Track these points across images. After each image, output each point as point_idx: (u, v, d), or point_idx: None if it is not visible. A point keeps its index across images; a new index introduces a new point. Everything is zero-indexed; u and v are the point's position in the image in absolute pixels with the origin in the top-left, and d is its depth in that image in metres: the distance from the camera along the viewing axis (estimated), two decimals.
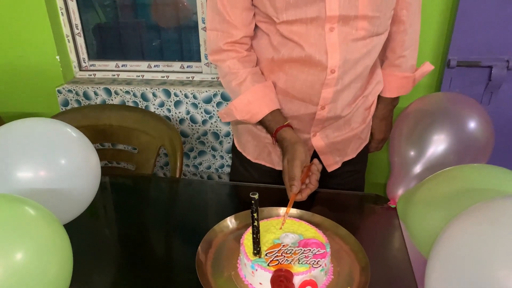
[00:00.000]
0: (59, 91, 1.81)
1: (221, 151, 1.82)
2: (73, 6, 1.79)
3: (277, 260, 0.73)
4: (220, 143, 1.80)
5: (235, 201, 1.11)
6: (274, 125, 0.97)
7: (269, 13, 0.91)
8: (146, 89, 1.74)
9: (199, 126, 1.78)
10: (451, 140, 1.04)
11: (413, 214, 0.86)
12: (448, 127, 1.05)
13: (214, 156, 1.84)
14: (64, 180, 0.85)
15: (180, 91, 1.71)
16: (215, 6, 0.96)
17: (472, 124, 1.05)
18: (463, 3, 1.30)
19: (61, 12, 1.79)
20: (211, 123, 1.76)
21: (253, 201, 0.72)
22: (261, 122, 1.00)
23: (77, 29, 1.84)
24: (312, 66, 0.92)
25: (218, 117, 1.60)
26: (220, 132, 1.77)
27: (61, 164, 0.86)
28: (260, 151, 1.14)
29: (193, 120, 1.76)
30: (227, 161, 1.84)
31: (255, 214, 0.73)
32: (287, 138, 0.95)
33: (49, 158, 0.84)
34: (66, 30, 1.82)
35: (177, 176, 1.19)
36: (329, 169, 1.13)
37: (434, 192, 0.82)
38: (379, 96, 1.15)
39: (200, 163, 1.87)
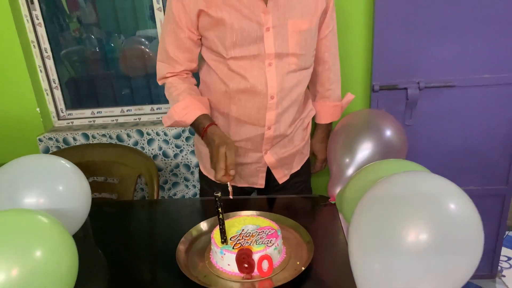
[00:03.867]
0: (40, 140, 1.98)
1: (193, 181, 2.03)
2: (50, 63, 2.01)
3: (239, 243, 0.94)
4: (192, 173, 2.01)
5: (205, 212, 1.31)
6: (205, 123, 1.19)
7: (220, 51, 1.16)
8: (121, 131, 1.95)
9: (171, 159, 1.99)
10: (374, 146, 1.30)
11: (345, 202, 1.10)
12: (371, 137, 1.32)
13: (187, 186, 2.05)
14: (62, 202, 1.04)
15: (152, 130, 1.93)
16: (164, 45, 1.22)
17: (388, 133, 1.33)
18: (377, 39, 1.62)
19: (40, 70, 2.00)
20: (182, 156, 1.97)
21: (217, 199, 0.94)
22: (194, 123, 1.21)
23: (55, 83, 2.05)
24: (256, 94, 1.18)
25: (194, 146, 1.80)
26: (190, 164, 1.99)
27: (59, 189, 1.05)
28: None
29: (165, 155, 1.98)
30: (199, 190, 2.05)
31: (219, 209, 0.95)
32: (217, 132, 1.16)
33: (49, 185, 1.04)
34: (44, 84, 2.03)
35: (155, 198, 1.39)
36: (280, 181, 1.37)
37: (357, 183, 1.07)
38: (317, 124, 1.42)
39: (175, 194, 2.07)
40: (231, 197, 1.08)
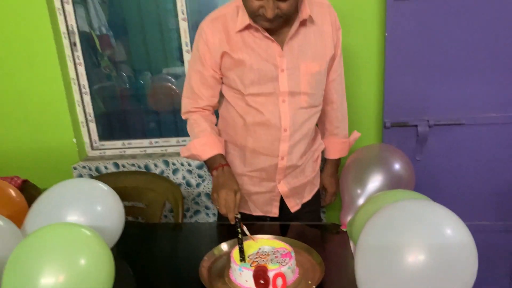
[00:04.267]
0: (74, 168, 2.15)
1: (213, 209, 2.14)
2: (87, 98, 2.21)
3: (256, 261, 1.04)
4: (212, 202, 2.12)
5: (225, 235, 1.41)
6: (218, 162, 1.30)
7: (239, 88, 1.30)
8: (149, 161, 2.10)
9: (194, 189, 2.11)
10: (383, 179, 1.40)
11: (354, 229, 1.19)
12: (381, 170, 1.42)
13: (207, 214, 2.16)
14: (99, 221, 1.17)
15: (177, 161, 2.08)
16: (189, 82, 1.37)
17: (396, 166, 1.42)
18: (388, 79, 1.75)
19: (78, 104, 2.20)
20: (204, 185, 2.10)
21: (237, 219, 1.06)
22: (208, 159, 1.32)
23: (90, 116, 2.24)
24: (271, 127, 1.31)
25: (210, 175, 1.92)
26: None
27: (97, 209, 1.19)
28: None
29: (188, 184, 2.11)
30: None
31: (239, 229, 1.06)
32: (225, 174, 1.26)
33: (88, 205, 1.18)
34: (81, 117, 2.22)
35: (180, 221, 1.51)
36: (292, 210, 1.47)
37: (365, 211, 1.16)
38: (326, 159, 1.53)
39: (196, 221, 2.18)
40: (247, 233, 1.14)
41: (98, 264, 0.94)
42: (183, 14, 2.01)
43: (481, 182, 1.82)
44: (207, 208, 2.15)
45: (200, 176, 2.09)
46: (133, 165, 2.12)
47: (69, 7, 2.07)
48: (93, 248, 0.96)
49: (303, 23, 1.26)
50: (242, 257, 1.06)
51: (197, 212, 2.17)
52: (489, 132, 1.76)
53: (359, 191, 1.42)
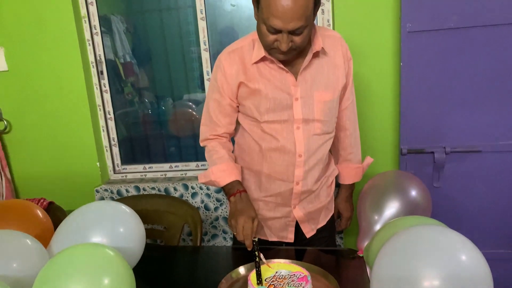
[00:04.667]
0: (96, 191, 2.22)
1: (230, 233, 2.16)
2: (111, 124, 2.31)
3: (273, 284, 1.06)
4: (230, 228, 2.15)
5: (243, 258, 1.43)
6: (235, 188, 1.33)
7: (255, 116, 1.35)
8: (169, 185, 2.16)
9: (212, 212, 2.15)
10: (400, 205, 1.41)
11: (371, 254, 1.20)
12: (397, 196, 1.43)
13: (225, 238, 2.18)
14: (121, 242, 1.21)
15: (196, 184, 2.13)
16: (208, 110, 1.43)
17: (413, 193, 1.43)
18: (404, 107, 1.78)
19: (102, 129, 2.29)
20: (222, 209, 2.13)
21: (254, 243, 1.08)
22: (226, 185, 1.35)
23: (114, 141, 2.33)
24: (286, 153, 1.35)
25: (227, 198, 1.96)
26: None
27: (120, 231, 1.23)
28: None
29: (206, 207, 2.15)
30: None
31: (256, 253, 1.09)
32: (243, 200, 1.30)
33: (112, 226, 1.23)
34: (105, 142, 2.31)
35: (198, 245, 1.54)
36: (308, 235, 1.49)
37: (381, 236, 1.17)
38: (341, 185, 1.56)
39: (214, 245, 2.20)
40: (264, 261, 1.15)
41: (121, 283, 0.98)
42: (205, 45, 2.10)
43: (500, 209, 1.81)
44: (224, 232, 2.17)
45: (218, 200, 2.13)
46: (153, 188, 2.17)
47: (97, 38, 2.19)
48: (117, 268, 1.00)
49: (316, 55, 1.32)
50: (260, 280, 1.08)
51: (214, 236, 2.19)
52: (505, 160, 1.76)
53: (376, 217, 1.43)
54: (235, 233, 1.27)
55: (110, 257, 1.02)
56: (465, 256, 0.90)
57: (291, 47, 1.20)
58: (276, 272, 1.11)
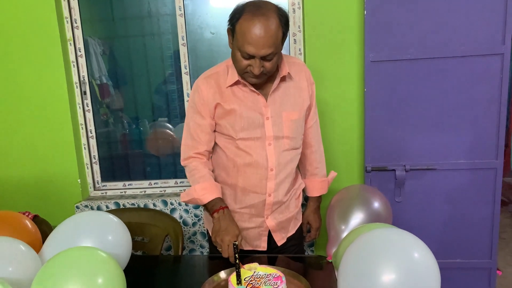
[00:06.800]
0: (77, 207, 2.28)
1: (207, 248, 2.26)
2: (93, 142, 2.39)
3: (251, 283, 1.18)
4: (207, 241, 2.25)
5: (223, 265, 1.53)
6: (218, 205, 1.45)
7: (230, 134, 1.49)
8: (148, 201, 2.24)
9: (190, 227, 2.24)
10: (364, 215, 1.56)
11: (338, 258, 1.34)
12: (362, 208, 1.59)
13: (202, 252, 2.27)
14: (110, 249, 1.30)
15: (175, 201, 2.22)
16: (188, 130, 1.54)
17: (376, 204, 1.60)
18: (368, 128, 1.97)
19: (84, 147, 2.37)
20: (199, 225, 2.23)
21: (234, 246, 1.20)
22: (209, 203, 1.46)
23: (95, 159, 2.40)
24: (259, 168, 1.49)
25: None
26: (206, 232, 2.23)
27: (108, 238, 1.33)
28: None
29: (185, 223, 2.24)
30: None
31: (236, 255, 1.21)
32: (226, 217, 1.41)
33: (100, 234, 1.32)
34: (86, 159, 2.38)
35: (180, 254, 1.63)
36: (279, 243, 1.62)
37: (347, 242, 1.32)
38: (309, 198, 1.71)
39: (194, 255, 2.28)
40: (242, 266, 1.25)
41: (114, 283, 1.07)
42: (185, 68, 2.25)
43: (455, 222, 2.00)
44: (202, 246, 2.27)
45: (196, 216, 2.23)
46: (133, 204, 2.25)
47: (82, 60, 2.30)
48: (109, 269, 1.09)
49: (283, 79, 1.50)
50: (239, 280, 1.20)
51: (192, 250, 2.28)
52: (458, 177, 1.96)
53: (343, 226, 1.58)
54: (220, 250, 1.38)
55: (103, 258, 1.11)
56: (417, 253, 1.05)
57: (262, 72, 1.37)
58: (254, 272, 1.23)
